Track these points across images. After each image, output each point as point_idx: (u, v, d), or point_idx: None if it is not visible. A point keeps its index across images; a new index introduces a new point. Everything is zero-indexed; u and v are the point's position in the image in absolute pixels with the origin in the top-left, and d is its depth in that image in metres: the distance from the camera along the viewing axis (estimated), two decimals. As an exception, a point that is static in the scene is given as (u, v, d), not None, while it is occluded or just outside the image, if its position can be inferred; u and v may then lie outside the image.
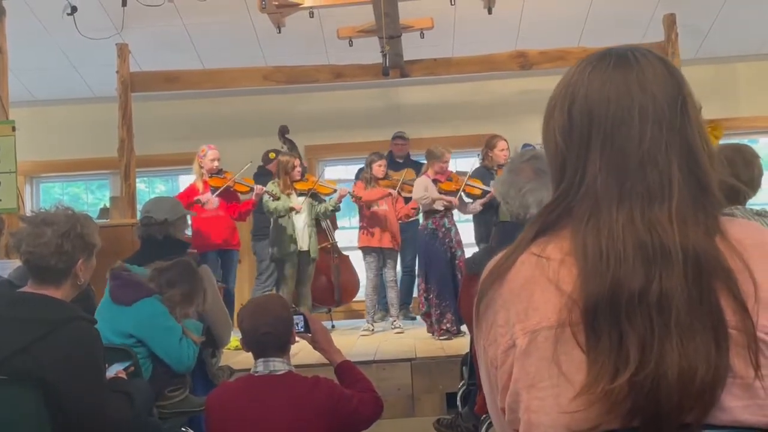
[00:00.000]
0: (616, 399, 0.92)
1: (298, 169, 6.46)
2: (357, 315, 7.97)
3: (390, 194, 6.55)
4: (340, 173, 8.76)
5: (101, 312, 3.24)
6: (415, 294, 7.30)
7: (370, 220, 6.52)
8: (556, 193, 1.10)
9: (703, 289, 0.95)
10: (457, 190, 6.32)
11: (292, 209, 6.30)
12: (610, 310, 0.95)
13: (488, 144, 6.58)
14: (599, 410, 0.94)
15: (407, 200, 6.74)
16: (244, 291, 7.34)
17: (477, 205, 6.36)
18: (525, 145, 6.94)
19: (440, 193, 6.24)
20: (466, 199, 6.52)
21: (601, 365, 0.94)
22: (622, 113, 1.04)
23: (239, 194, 6.44)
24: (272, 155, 7.14)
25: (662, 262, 0.96)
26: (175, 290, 3.30)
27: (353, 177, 7.52)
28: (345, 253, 7.47)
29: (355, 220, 7.63)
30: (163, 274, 3.34)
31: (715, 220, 1.02)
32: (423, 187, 6.21)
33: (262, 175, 6.86)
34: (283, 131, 7.51)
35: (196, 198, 6.12)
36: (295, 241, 6.31)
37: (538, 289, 1.02)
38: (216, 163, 6.34)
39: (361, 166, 7.57)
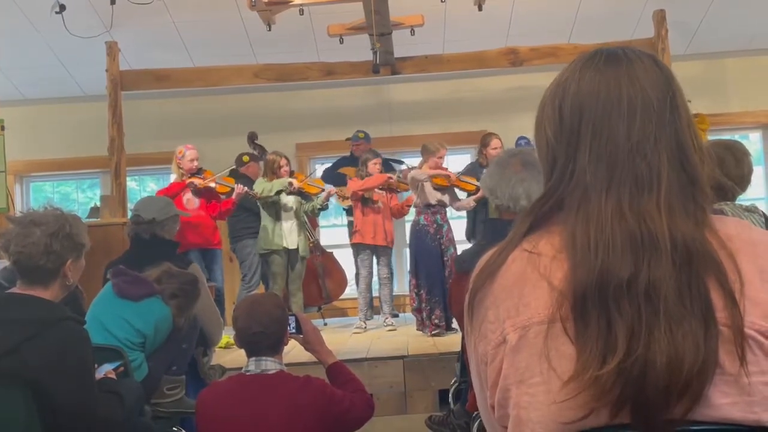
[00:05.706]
0: (604, 386, 0.92)
1: (286, 168, 6.41)
2: (349, 313, 7.97)
3: (390, 179, 6.52)
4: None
5: (102, 305, 3.26)
6: (397, 291, 7.30)
7: (363, 218, 6.51)
8: (547, 187, 1.10)
9: (692, 278, 0.96)
10: (451, 186, 6.33)
11: (290, 183, 6.25)
12: (598, 298, 0.96)
13: (483, 142, 6.68)
14: (587, 398, 0.93)
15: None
16: (235, 289, 7.32)
17: (471, 201, 6.38)
18: (520, 138, 6.99)
19: (434, 188, 6.24)
20: (460, 195, 6.54)
21: (590, 352, 0.94)
22: (611, 105, 1.05)
23: (219, 194, 6.39)
24: (246, 159, 7.08)
25: (651, 250, 0.97)
26: (173, 302, 3.30)
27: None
28: (328, 250, 7.47)
29: (340, 219, 7.59)
30: (170, 281, 3.34)
31: (704, 213, 1.02)
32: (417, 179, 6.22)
33: (235, 178, 6.74)
34: (252, 137, 7.43)
35: (189, 181, 6.09)
36: (282, 238, 6.28)
37: (530, 284, 1.02)
38: (195, 163, 6.28)
39: (337, 159, 7.56)
